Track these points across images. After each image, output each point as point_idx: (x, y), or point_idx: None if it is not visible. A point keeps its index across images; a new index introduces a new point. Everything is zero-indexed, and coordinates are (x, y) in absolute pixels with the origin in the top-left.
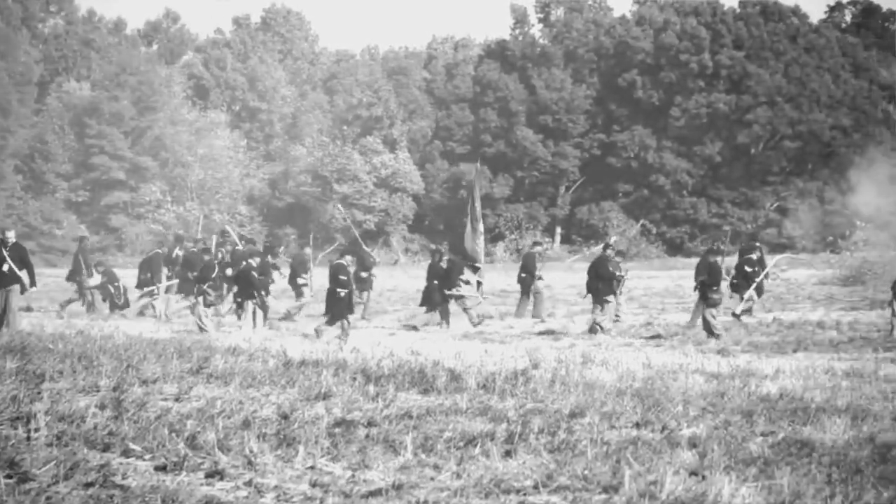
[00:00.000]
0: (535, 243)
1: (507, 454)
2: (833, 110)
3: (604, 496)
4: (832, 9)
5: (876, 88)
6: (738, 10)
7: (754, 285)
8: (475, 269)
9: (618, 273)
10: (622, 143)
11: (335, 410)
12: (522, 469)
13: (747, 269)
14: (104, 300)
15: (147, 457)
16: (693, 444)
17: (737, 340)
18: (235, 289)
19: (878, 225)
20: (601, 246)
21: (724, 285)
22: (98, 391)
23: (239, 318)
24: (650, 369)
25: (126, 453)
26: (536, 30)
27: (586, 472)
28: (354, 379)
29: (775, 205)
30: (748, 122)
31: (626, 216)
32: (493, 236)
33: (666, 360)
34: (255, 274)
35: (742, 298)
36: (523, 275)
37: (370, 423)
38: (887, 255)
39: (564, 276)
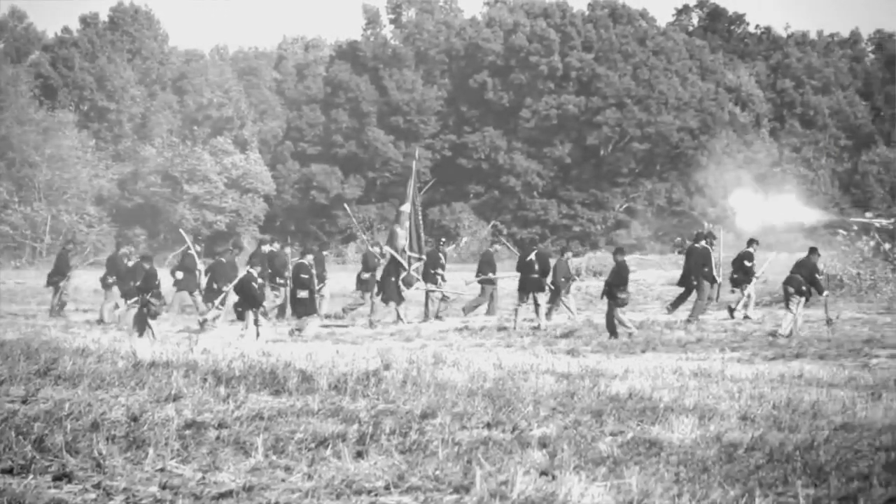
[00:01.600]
0: (494, 243)
1: (359, 455)
2: (681, 112)
3: (455, 496)
4: (679, 12)
5: (722, 91)
6: (587, 13)
7: (755, 280)
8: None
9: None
10: (473, 145)
11: (185, 412)
12: (374, 470)
13: (746, 263)
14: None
15: None
16: (543, 443)
17: (586, 341)
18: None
19: (725, 226)
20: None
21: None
22: None
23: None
24: (501, 370)
25: None
26: (388, 31)
27: (438, 472)
28: (205, 380)
29: (624, 206)
30: (597, 124)
31: (477, 217)
32: (345, 237)
33: (517, 360)
34: (255, 283)
35: (743, 294)
36: (490, 274)
37: (221, 425)
38: (734, 256)
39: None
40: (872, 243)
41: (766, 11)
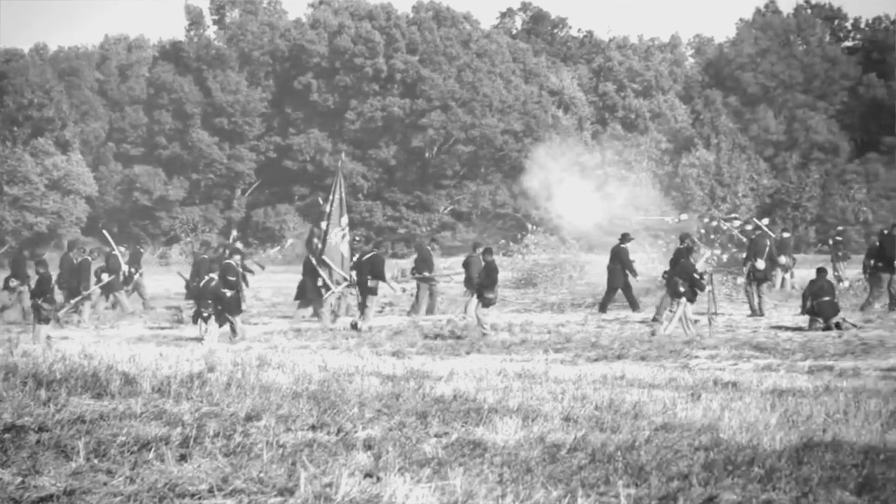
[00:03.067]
0: (433, 240)
1: (182, 458)
2: (504, 115)
3: (279, 499)
4: (503, 15)
5: (546, 94)
6: (411, 16)
7: (780, 279)
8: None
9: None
10: (298, 147)
11: (5, 416)
12: (198, 473)
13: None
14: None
15: None
16: (368, 445)
17: (412, 342)
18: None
19: (548, 228)
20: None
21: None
22: None
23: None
24: (326, 372)
25: None
26: (211, 32)
27: (262, 474)
28: (25, 383)
29: (449, 208)
30: (422, 127)
31: (302, 219)
32: (168, 239)
33: (342, 362)
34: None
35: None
36: (426, 273)
37: (41, 429)
38: (557, 258)
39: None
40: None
41: (589, 15)
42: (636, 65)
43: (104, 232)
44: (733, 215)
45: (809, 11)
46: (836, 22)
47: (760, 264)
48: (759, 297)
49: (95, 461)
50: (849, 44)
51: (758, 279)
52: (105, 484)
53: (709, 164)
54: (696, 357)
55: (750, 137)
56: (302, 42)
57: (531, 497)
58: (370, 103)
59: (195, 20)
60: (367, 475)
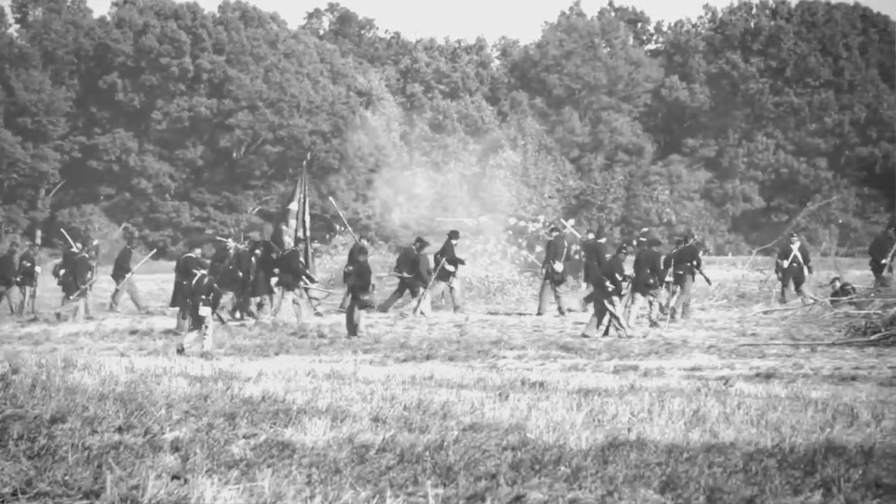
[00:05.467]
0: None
1: None
2: (312, 115)
3: (85, 502)
4: (310, 15)
5: (353, 94)
6: (218, 15)
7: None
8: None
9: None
10: (104, 146)
11: None
12: (1, 476)
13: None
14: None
15: None
16: (176, 447)
17: (220, 343)
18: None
19: (356, 229)
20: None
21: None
22: None
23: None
24: (134, 373)
25: None
26: (14, 30)
27: (67, 477)
28: None
29: (257, 209)
30: (230, 127)
31: (108, 219)
32: None
33: (150, 363)
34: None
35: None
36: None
37: None
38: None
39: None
40: (500, 246)
41: (396, 17)
42: (443, 66)
43: (62, 231)
44: (540, 217)
45: (613, 14)
46: (640, 25)
47: (558, 266)
48: (557, 297)
49: None
50: (651, 47)
51: (555, 280)
52: None
53: (516, 165)
54: (504, 357)
55: (556, 139)
56: (107, 41)
57: (340, 498)
58: (177, 103)
59: None
60: (175, 477)
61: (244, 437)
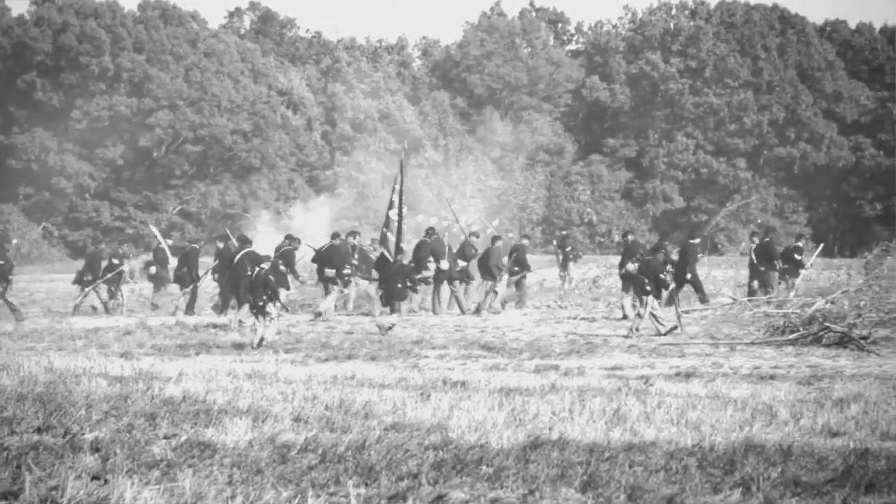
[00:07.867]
0: (472, 234)
1: None
2: (234, 115)
3: (3, 502)
4: (231, 14)
5: (275, 94)
6: (137, 14)
7: (803, 272)
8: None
9: None
10: (22, 145)
11: None
12: None
13: (796, 256)
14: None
15: None
16: (96, 447)
17: (140, 343)
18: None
19: (278, 228)
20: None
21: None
22: None
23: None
24: (53, 373)
25: None
26: None
27: None
28: None
29: (178, 208)
30: (150, 126)
31: (27, 219)
32: None
33: (69, 363)
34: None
35: (793, 285)
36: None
37: None
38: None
39: None
40: None
41: (317, 16)
42: (364, 66)
43: (151, 227)
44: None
45: (534, 14)
46: (560, 25)
47: (444, 265)
48: (458, 296)
49: None
50: (572, 47)
51: (454, 278)
52: None
53: (437, 164)
54: (426, 357)
55: (477, 139)
56: (25, 39)
57: (261, 498)
58: (96, 102)
59: None
60: (95, 478)
61: (165, 437)
